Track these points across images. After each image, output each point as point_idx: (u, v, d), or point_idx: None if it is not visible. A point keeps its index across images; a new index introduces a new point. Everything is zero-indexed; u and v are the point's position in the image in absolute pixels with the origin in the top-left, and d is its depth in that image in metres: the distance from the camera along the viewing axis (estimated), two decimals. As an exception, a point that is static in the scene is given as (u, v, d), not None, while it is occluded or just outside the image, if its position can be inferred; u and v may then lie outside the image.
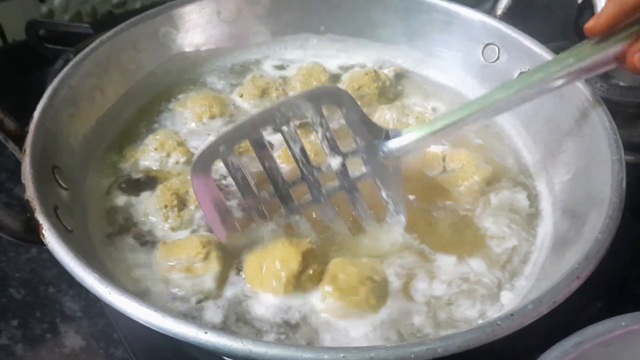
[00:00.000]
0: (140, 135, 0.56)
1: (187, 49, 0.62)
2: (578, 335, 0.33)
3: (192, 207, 0.47)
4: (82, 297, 0.52)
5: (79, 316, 0.51)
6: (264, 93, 0.60)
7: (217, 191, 0.43)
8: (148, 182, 0.51)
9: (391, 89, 0.61)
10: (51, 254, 0.36)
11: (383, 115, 0.56)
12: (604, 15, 0.41)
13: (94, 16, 0.79)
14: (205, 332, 0.32)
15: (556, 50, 0.53)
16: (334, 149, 0.44)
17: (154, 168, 0.52)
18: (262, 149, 0.43)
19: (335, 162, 0.44)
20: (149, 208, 0.48)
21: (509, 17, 0.60)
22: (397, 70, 0.64)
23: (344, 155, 0.44)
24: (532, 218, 0.50)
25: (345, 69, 0.65)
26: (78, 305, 0.51)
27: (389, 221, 0.47)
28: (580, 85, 0.49)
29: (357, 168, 0.46)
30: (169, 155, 0.52)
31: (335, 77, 0.64)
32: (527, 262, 0.46)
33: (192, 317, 0.41)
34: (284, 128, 0.43)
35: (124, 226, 0.48)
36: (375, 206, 0.47)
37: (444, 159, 0.53)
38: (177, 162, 0.52)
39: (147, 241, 0.47)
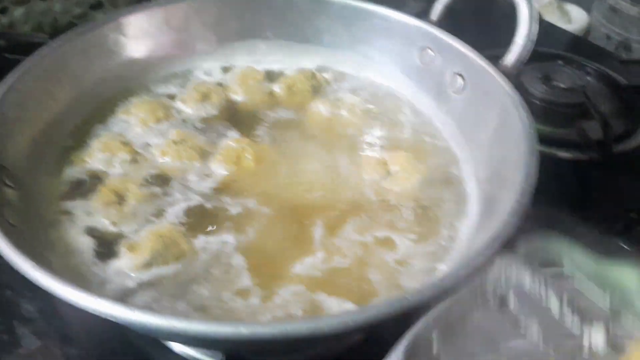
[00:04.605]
0: (89, 139, 0.57)
1: (136, 56, 0.64)
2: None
3: (132, 202, 0.49)
4: (38, 299, 0.52)
5: (36, 317, 0.52)
6: (205, 98, 0.62)
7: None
8: (94, 182, 0.53)
9: (327, 88, 0.64)
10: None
11: (316, 109, 0.59)
12: None
13: (54, 27, 0.80)
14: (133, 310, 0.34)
15: (490, 58, 0.57)
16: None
17: (100, 169, 0.54)
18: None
19: None
20: (93, 207, 0.50)
21: (444, 23, 0.63)
22: (336, 74, 0.67)
23: None
24: (458, 212, 0.52)
25: (284, 72, 0.68)
26: (34, 307, 0.52)
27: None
28: (503, 83, 0.53)
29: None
30: (114, 155, 0.54)
31: (272, 77, 0.66)
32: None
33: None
34: None
35: (72, 225, 0.49)
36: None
37: (385, 164, 0.56)
38: (122, 162, 0.54)
39: (95, 239, 0.48)
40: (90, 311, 0.35)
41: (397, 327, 0.31)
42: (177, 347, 0.50)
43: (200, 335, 0.34)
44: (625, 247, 0.61)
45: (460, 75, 0.58)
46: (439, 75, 0.61)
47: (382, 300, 0.43)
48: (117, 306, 0.34)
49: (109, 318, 0.35)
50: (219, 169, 0.55)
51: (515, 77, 0.56)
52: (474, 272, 0.36)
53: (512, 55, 0.56)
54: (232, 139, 0.57)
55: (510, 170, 0.47)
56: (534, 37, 0.56)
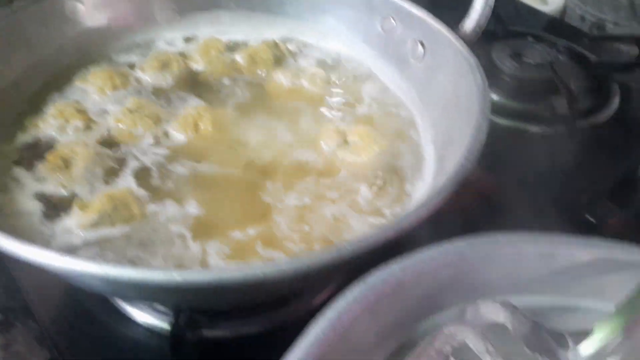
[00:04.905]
0: (44, 106, 0.56)
1: (96, 25, 0.63)
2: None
3: (81, 166, 0.49)
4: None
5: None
6: (164, 66, 0.61)
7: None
8: (46, 148, 0.52)
9: (290, 58, 0.64)
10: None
11: (278, 78, 0.58)
12: None
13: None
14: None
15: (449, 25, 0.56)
16: None
17: (53, 135, 0.53)
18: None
19: None
20: (42, 172, 0.49)
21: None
22: (299, 44, 0.66)
23: None
24: (413, 176, 0.52)
25: (248, 42, 0.67)
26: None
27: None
28: (461, 48, 0.53)
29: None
30: (67, 121, 0.53)
31: (234, 48, 0.66)
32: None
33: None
34: None
35: (21, 190, 0.48)
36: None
37: (344, 134, 0.55)
38: (76, 128, 0.53)
39: (45, 202, 0.48)
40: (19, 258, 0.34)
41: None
42: (139, 317, 0.50)
43: (132, 281, 0.33)
44: (591, 219, 0.61)
45: (421, 42, 0.58)
46: (400, 43, 0.60)
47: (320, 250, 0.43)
48: (47, 252, 0.33)
49: (38, 265, 0.34)
50: (177, 135, 0.54)
51: (473, 43, 0.56)
52: (403, 230, 0.36)
53: (471, 21, 0.56)
54: (190, 106, 0.56)
55: (464, 131, 0.47)
56: (492, 2, 0.56)
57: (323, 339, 0.28)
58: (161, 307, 0.50)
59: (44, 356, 0.48)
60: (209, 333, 0.49)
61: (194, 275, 0.33)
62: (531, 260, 0.34)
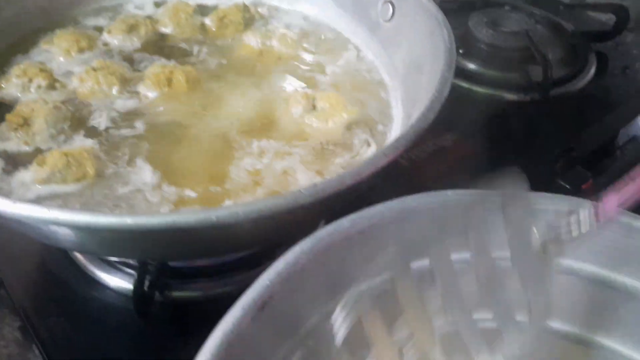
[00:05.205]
0: (8, 68, 0.55)
1: (63, -12, 0.62)
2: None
3: (42, 124, 0.48)
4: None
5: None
6: (132, 29, 0.60)
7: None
8: (9, 108, 0.51)
9: (260, 21, 0.63)
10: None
11: (248, 40, 0.58)
12: None
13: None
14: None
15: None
16: None
17: (16, 95, 0.53)
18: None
19: None
20: (4, 131, 0.49)
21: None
22: (270, 8, 0.66)
23: None
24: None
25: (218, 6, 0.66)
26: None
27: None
28: (428, 4, 0.52)
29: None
30: (30, 80, 0.52)
31: (204, 11, 0.65)
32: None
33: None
34: None
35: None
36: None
37: (313, 99, 0.54)
38: (39, 87, 0.52)
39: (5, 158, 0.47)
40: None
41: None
42: (110, 280, 0.50)
43: (80, 225, 0.33)
44: (565, 185, 0.61)
45: (390, 2, 0.57)
46: (370, 5, 0.60)
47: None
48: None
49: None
50: (146, 92, 0.54)
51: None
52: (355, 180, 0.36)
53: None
54: (157, 65, 0.56)
55: (430, 88, 0.47)
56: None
57: (272, 284, 0.27)
58: (130, 270, 0.50)
59: (14, 323, 0.48)
60: (179, 294, 0.49)
61: (145, 219, 0.33)
62: (481, 215, 0.34)
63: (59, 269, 0.51)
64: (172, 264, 0.49)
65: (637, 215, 0.33)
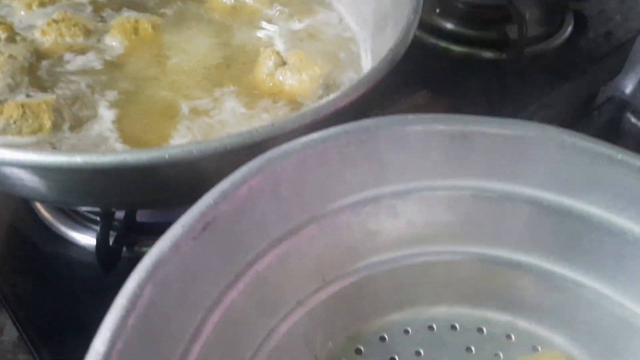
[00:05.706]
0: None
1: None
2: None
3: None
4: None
5: None
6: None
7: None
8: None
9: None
10: None
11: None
12: None
13: None
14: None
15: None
16: None
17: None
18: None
19: None
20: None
21: None
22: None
23: None
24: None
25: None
26: None
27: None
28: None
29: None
30: (-12, 31, 0.51)
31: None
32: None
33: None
34: None
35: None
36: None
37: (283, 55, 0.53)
38: (-4, 41, 0.51)
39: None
40: None
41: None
42: (79, 238, 0.49)
43: (36, 165, 0.32)
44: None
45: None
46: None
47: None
48: None
49: None
50: (111, 43, 0.53)
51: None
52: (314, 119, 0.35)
53: None
54: (122, 17, 0.54)
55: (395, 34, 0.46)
56: None
57: (216, 204, 0.27)
58: (96, 226, 0.49)
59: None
60: (147, 250, 0.48)
61: (95, 157, 0.32)
62: (443, 141, 0.33)
63: (24, 225, 0.50)
64: (139, 219, 0.49)
65: (600, 141, 0.32)
